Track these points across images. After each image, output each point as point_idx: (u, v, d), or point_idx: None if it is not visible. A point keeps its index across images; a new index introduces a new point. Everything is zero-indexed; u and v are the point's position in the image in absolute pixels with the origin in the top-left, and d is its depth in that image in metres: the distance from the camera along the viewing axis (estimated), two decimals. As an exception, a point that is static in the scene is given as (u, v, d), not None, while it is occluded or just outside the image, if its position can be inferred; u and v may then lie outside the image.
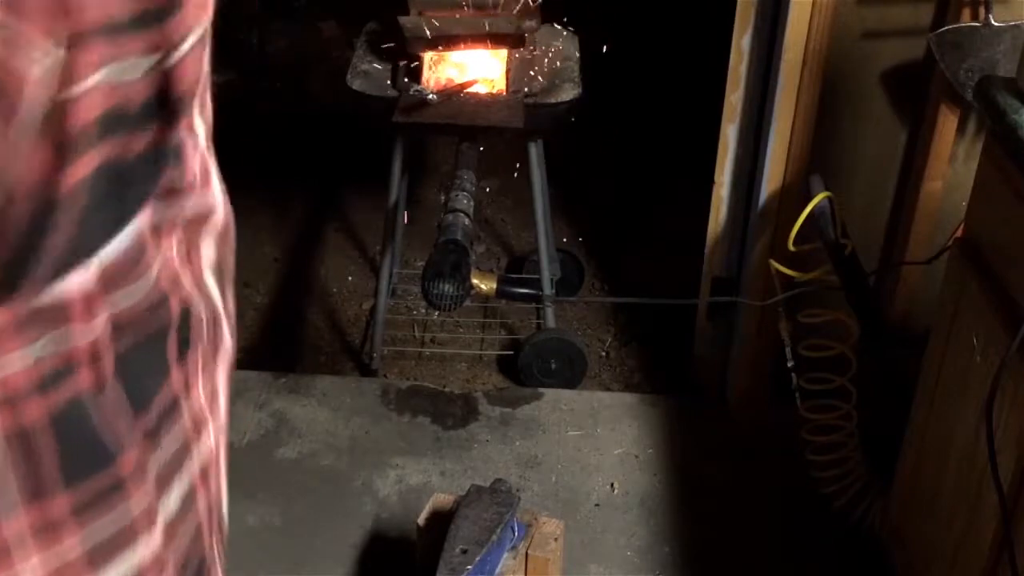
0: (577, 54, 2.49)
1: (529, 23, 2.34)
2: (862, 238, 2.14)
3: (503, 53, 2.36)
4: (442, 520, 1.70)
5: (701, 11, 2.96)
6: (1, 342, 0.51)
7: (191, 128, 0.61)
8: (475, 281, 2.34)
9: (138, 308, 0.57)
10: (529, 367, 2.53)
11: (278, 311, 2.89)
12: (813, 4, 1.97)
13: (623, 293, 2.96)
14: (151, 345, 0.59)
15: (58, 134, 0.47)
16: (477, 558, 1.58)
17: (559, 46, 2.51)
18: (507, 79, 2.35)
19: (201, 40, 0.55)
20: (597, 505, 2.15)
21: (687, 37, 3.67)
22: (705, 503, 2.16)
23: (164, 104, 0.54)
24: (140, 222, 0.57)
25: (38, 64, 0.45)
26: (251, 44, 4.15)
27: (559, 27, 2.58)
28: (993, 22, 1.87)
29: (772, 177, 2.15)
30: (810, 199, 2.00)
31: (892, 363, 2.02)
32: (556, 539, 1.75)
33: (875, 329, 2.00)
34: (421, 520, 1.77)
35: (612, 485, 2.20)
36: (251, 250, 3.07)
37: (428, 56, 2.33)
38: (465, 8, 2.24)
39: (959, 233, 1.60)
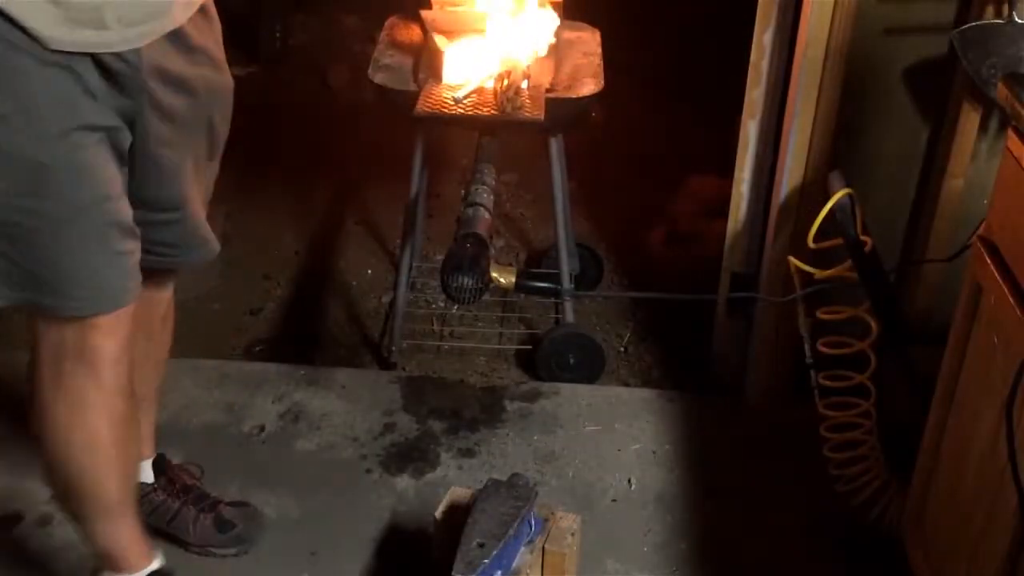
0: (599, 49, 2.49)
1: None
2: (883, 235, 2.13)
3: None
4: (459, 514, 1.70)
5: (719, 6, 2.95)
6: None
7: None
8: (494, 275, 2.34)
9: None
10: (547, 361, 2.53)
11: (298, 304, 2.91)
12: (835, 1, 1.96)
13: (642, 288, 2.96)
14: None
15: None
16: (494, 552, 1.58)
17: (580, 42, 2.51)
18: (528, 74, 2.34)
19: None
20: (614, 500, 2.15)
21: (705, 33, 3.66)
22: (722, 499, 2.15)
23: None
24: None
25: None
26: (274, 37, 4.17)
27: (580, 23, 2.58)
28: (1017, 19, 1.85)
29: (792, 173, 2.14)
30: (830, 196, 1.99)
31: (912, 360, 2.01)
32: (573, 534, 1.75)
33: (895, 326, 1.99)
34: (438, 513, 1.78)
35: (629, 481, 2.20)
36: (272, 243, 3.09)
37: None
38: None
39: (981, 231, 1.59)
